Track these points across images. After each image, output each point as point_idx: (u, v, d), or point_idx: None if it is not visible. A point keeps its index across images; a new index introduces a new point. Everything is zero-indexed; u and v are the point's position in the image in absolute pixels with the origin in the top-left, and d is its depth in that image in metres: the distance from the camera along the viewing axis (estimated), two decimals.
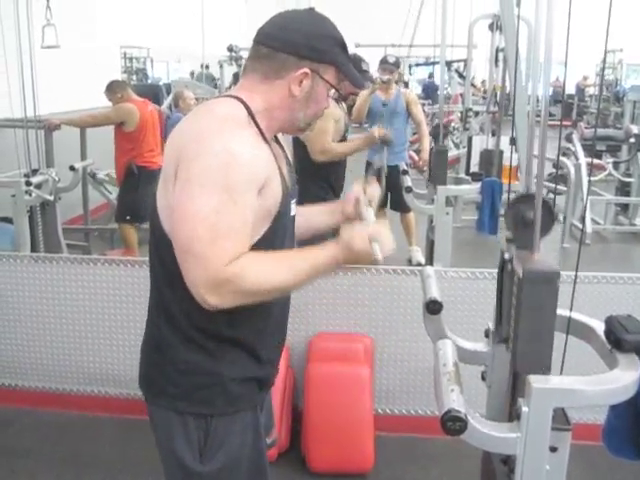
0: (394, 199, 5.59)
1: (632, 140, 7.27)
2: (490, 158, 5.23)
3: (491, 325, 1.70)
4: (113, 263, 3.35)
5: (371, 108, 5.64)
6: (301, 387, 3.17)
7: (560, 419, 1.38)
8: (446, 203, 4.36)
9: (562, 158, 6.84)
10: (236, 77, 10.32)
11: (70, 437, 3.28)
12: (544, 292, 1.40)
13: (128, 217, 5.64)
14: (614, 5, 1.46)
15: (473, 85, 11.41)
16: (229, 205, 1.37)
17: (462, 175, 6.43)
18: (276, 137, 1.66)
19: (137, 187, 5.43)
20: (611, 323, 1.51)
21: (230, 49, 10.46)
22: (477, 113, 9.01)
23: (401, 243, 5.98)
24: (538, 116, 1.59)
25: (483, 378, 1.73)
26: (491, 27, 6.77)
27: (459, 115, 9.16)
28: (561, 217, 6.57)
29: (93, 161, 6.19)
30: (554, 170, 4.49)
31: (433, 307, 1.73)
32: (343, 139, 4.15)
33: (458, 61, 11.18)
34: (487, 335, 1.73)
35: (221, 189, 1.37)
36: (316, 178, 3.96)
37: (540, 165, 1.49)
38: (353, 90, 4.04)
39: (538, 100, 1.65)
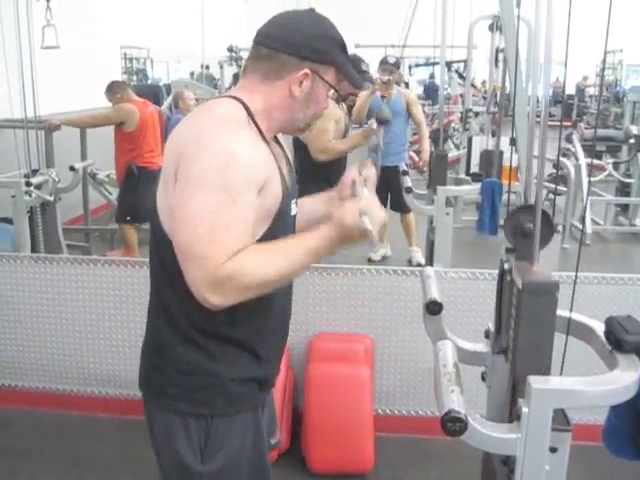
0: (394, 200, 5.59)
1: (632, 141, 7.27)
2: (490, 159, 5.23)
3: (491, 326, 1.71)
4: (113, 264, 3.35)
5: (371, 109, 5.64)
6: (301, 388, 3.17)
7: (560, 420, 1.39)
8: (446, 204, 4.36)
9: (562, 159, 6.85)
10: (236, 78, 10.32)
11: (70, 438, 3.28)
12: (543, 304, 1.41)
13: (128, 217, 5.64)
14: (614, 6, 1.46)
15: (473, 86, 11.41)
16: (229, 205, 1.37)
17: (462, 176, 6.42)
18: (276, 137, 1.66)
19: (137, 187, 5.43)
20: (611, 324, 1.51)
21: (230, 50, 10.46)
22: (477, 114, 9.02)
23: (401, 244, 5.99)
24: (538, 117, 1.59)
25: (483, 379, 1.73)
26: (491, 28, 6.77)
27: (459, 116, 9.16)
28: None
29: (93, 161, 6.20)
30: (554, 171, 4.49)
31: (433, 308, 1.73)
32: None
33: (458, 62, 11.17)
34: (487, 336, 1.73)
35: (221, 189, 1.37)
36: (316, 178, 3.95)
37: (540, 166, 1.49)
38: (352, 90, 4.04)
39: (538, 101, 1.65)
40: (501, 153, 5.24)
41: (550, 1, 1.41)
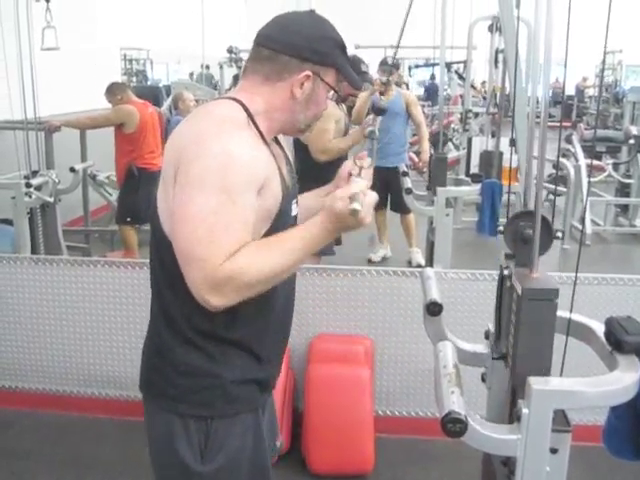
0: (394, 200, 5.59)
1: (632, 141, 7.27)
2: (490, 159, 5.23)
3: (491, 327, 1.71)
4: (113, 265, 3.35)
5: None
6: (301, 389, 3.17)
7: (560, 420, 1.39)
8: (446, 204, 4.36)
9: (562, 159, 6.85)
10: (236, 79, 10.32)
11: (70, 439, 3.28)
12: (543, 310, 1.41)
13: (128, 219, 5.65)
14: (613, 6, 1.46)
15: (473, 86, 11.40)
16: (228, 205, 1.37)
17: (462, 176, 6.42)
18: (276, 138, 1.66)
19: (137, 189, 5.43)
20: (611, 324, 1.51)
21: (230, 51, 10.46)
22: (477, 114, 9.02)
23: (401, 244, 5.99)
24: (538, 117, 1.59)
25: (483, 380, 1.73)
26: (491, 28, 6.77)
27: (459, 116, 9.16)
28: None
29: (93, 163, 6.20)
30: (554, 171, 4.49)
31: (433, 309, 1.73)
32: None
33: (458, 62, 11.17)
34: (487, 337, 1.73)
35: (220, 190, 1.37)
36: (317, 179, 3.92)
37: (540, 167, 1.49)
38: (351, 91, 4.04)
39: (538, 101, 1.65)
40: (501, 154, 5.24)
41: (550, 2, 1.41)
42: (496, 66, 6.83)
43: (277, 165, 1.51)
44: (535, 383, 1.35)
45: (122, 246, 5.89)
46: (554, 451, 1.38)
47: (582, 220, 4.80)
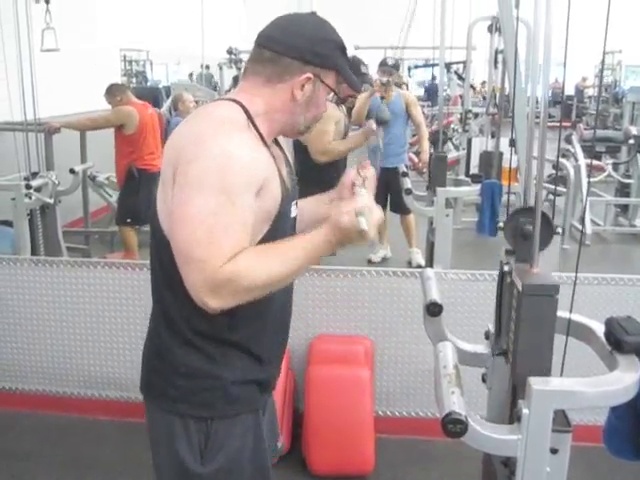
0: (394, 201, 5.59)
1: (631, 141, 7.27)
2: (490, 160, 5.23)
3: (491, 327, 1.71)
4: (113, 266, 3.35)
5: (370, 110, 5.65)
6: (301, 389, 3.17)
7: (560, 421, 1.39)
8: (446, 205, 4.36)
9: (562, 159, 6.85)
10: (235, 80, 10.32)
11: (70, 440, 3.28)
12: (543, 306, 1.41)
13: (129, 220, 5.65)
14: (613, 6, 1.47)
15: (472, 87, 11.40)
16: (227, 207, 1.37)
17: (462, 177, 6.43)
18: (276, 139, 1.66)
19: (137, 190, 5.43)
20: (611, 324, 1.51)
21: (230, 52, 10.47)
22: (477, 115, 9.02)
23: (401, 245, 5.99)
24: (537, 117, 1.59)
25: (483, 380, 1.73)
26: (490, 29, 6.78)
27: (458, 117, 9.17)
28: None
29: (93, 164, 6.19)
30: (554, 171, 4.49)
31: (433, 309, 1.73)
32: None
33: (457, 63, 11.18)
34: (487, 337, 1.73)
35: (219, 191, 1.37)
36: (318, 180, 3.93)
37: (540, 167, 1.49)
38: (351, 92, 4.05)
39: (537, 101, 1.65)
40: (501, 154, 5.24)
41: (549, 2, 1.41)
42: (495, 66, 6.84)
43: (276, 167, 1.51)
44: (535, 383, 1.35)
45: (122, 247, 5.89)
46: (554, 451, 1.38)
47: (582, 220, 4.79)
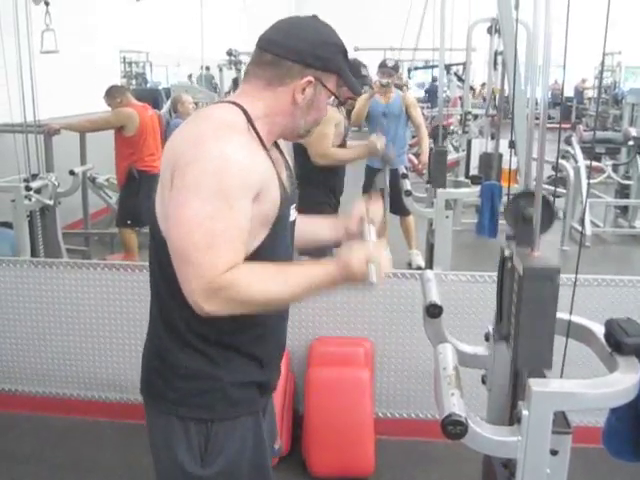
0: (394, 203, 5.58)
1: (631, 142, 7.27)
2: (489, 161, 5.22)
3: (491, 328, 1.70)
4: (113, 268, 3.35)
5: (370, 111, 5.66)
6: (301, 391, 3.17)
7: (560, 422, 1.38)
8: (446, 206, 4.36)
9: (561, 161, 6.85)
10: (235, 82, 10.32)
11: (70, 442, 3.28)
12: (545, 289, 1.39)
13: (129, 221, 5.65)
14: (612, 8, 1.47)
15: (472, 88, 11.41)
16: (224, 211, 1.37)
17: (461, 178, 6.42)
18: (276, 142, 1.66)
19: (138, 191, 5.43)
20: (611, 326, 1.51)
21: (229, 53, 10.47)
22: (476, 116, 9.02)
23: (401, 246, 5.99)
24: (537, 119, 1.59)
25: (483, 382, 1.73)
26: (490, 30, 6.77)
27: (458, 118, 9.17)
28: (561, 214, 6.55)
29: (93, 166, 6.19)
30: (553, 173, 4.49)
31: (433, 311, 1.73)
32: (343, 142, 4.16)
33: (457, 64, 11.19)
34: (487, 338, 1.73)
35: (216, 195, 1.37)
36: (317, 182, 3.96)
37: (539, 168, 1.49)
38: (350, 95, 4.06)
39: (537, 103, 1.65)
40: (500, 156, 5.23)
41: (548, 4, 1.41)
42: (495, 68, 6.84)
43: (276, 170, 1.51)
44: (535, 385, 1.35)
45: (122, 249, 5.89)
46: (554, 453, 1.38)
47: (582, 221, 4.80)
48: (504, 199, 4.37)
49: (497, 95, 6.78)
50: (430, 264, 4.53)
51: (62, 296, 3.38)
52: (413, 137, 8.23)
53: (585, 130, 8.46)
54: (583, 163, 6.86)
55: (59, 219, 5.11)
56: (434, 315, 1.73)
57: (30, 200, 4.64)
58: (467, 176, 6.45)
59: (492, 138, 6.54)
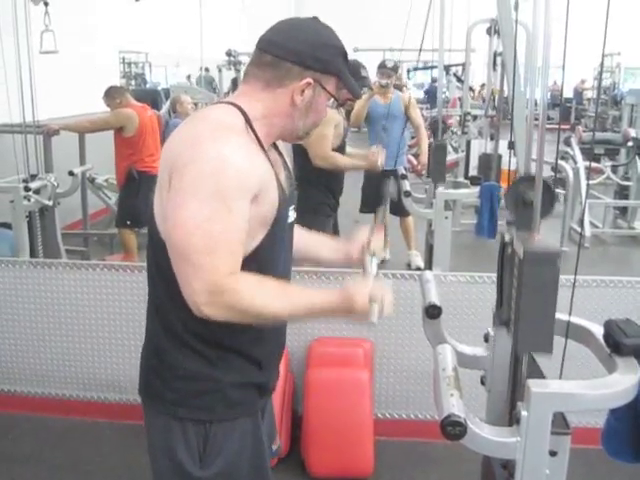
0: (393, 203, 5.58)
1: (630, 143, 7.28)
2: (489, 162, 5.22)
3: (490, 329, 1.70)
4: (112, 268, 3.35)
5: (369, 112, 5.66)
6: (301, 392, 3.17)
7: (559, 423, 1.38)
8: (445, 207, 4.36)
9: (560, 162, 6.85)
10: (234, 83, 10.31)
11: (70, 443, 3.28)
12: (545, 272, 1.39)
13: (128, 222, 5.65)
14: (612, 9, 1.47)
15: (471, 89, 11.41)
16: (222, 213, 1.37)
17: (461, 179, 6.42)
18: (274, 144, 1.66)
19: (138, 192, 5.43)
20: (610, 327, 1.51)
21: (229, 54, 10.46)
22: (475, 117, 9.02)
23: (400, 247, 5.99)
24: (536, 120, 1.59)
25: (482, 382, 1.73)
26: (489, 31, 6.76)
27: (457, 119, 9.17)
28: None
29: (92, 166, 6.19)
30: (552, 174, 4.48)
31: (432, 311, 1.73)
32: (343, 143, 4.16)
33: (456, 65, 11.18)
34: (486, 339, 1.73)
35: (214, 196, 1.37)
36: (317, 183, 3.96)
37: (538, 169, 1.49)
38: (350, 96, 4.05)
39: (536, 104, 1.65)
40: (500, 156, 5.23)
41: (548, 5, 1.41)
42: (494, 69, 6.83)
43: (274, 171, 1.51)
44: (534, 386, 1.35)
45: (121, 249, 5.88)
46: (553, 454, 1.38)
47: (581, 222, 4.80)
48: (503, 200, 4.38)
49: (496, 96, 6.78)
50: (429, 265, 4.53)
51: (61, 297, 3.38)
52: (412, 138, 8.23)
53: (584, 131, 8.47)
54: (582, 164, 6.87)
55: (58, 220, 5.10)
56: (433, 316, 1.73)
57: (29, 201, 4.64)
58: (466, 177, 6.45)
59: (491, 139, 6.54)
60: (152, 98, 9.95)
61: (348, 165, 4.14)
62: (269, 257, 1.53)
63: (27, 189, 4.58)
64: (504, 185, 4.70)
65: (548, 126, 1.51)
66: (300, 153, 3.89)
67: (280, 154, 1.67)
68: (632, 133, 7.33)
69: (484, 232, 4.54)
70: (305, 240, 1.81)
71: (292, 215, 1.63)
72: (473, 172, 6.42)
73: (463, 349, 1.73)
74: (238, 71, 10.30)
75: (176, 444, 1.55)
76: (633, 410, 1.48)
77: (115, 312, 3.35)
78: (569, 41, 1.49)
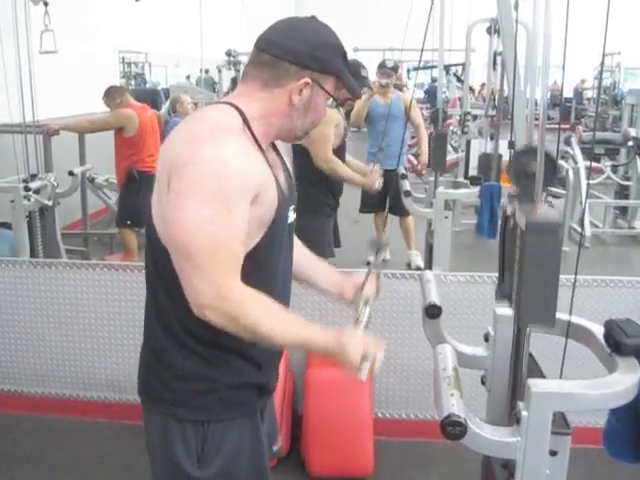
0: (393, 203, 5.58)
1: (630, 143, 7.28)
2: (489, 162, 5.22)
3: (491, 329, 1.70)
4: (112, 268, 3.35)
5: (369, 112, 5.66)
6: (301, 392, 3.17)
7: (560, 423, 1.38)
8: (445, 207, 4.36)
9: (561, 161, 6.85)
10: (234, 82, 10.32)
11: (70, 443, 3.27)
12: (547, 243, 1.37)
13: (129, 222, 5.64)
14: (612, 8, 1.47)
15: (471, 89, 11.41)
16: (224, 215, 1.37)
17: (461, 179, 6.43)
18: (273, 144, 1.65)
19: (138, 192, 5.41)
20: (610, 327, 1.51)
21: (228, 54, 10.47)
22: (475, 117, 9.02)
23: (400, 247, 5.99)
24: (536, 120, 1.59)
25: (483, 382, 1.73)
26: (489, 31, 6.76)
27: (457, 119, 9.17)
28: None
29: (92, 166, 6.19)
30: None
31: (432, 311, 1.73)
32: (343, 143, 4.15)
33: (456, 65, 11.18)
34: (486, 339, 1.73)
35: (215, 199, 1.36)
36: (317, 183, 3.96)
37: (539, 169, 1.49)
38: (349, 96, 4.04)
39: (536, 103, 1.65)
40: (500, 156, 5.24)
41: (548, 4, 1.41)
42: (494, 68, 6.83)
43: (273, 172, 1.51)
44: (534, 385, 1.35)
45: (121, 249, 5.89)
46: (554, 453, 1.38)
47: (581, 222, 4.80)
48: (503, 200, 4.38)
49: (496, 96, 6.78)
50: (429, 265, 4.53)
51: (61, 297, 3.37)
52: (412, 138, 8.23)
53: (584, 131, 8.48)
54: (582, 164, 6.86)
55: (58, 219, 5.11)
56: (433, 316, 1.73)
57: (29, 200, 4.64)
58: (466, 177, 6.45)
59: (491, 139, 6.53)
60: (152, 98, 9.97)
61: (345, 177, 4.10)
62: (269, 257, 1.53)
63: (27, 189, 4.59)
64: (504, 185, 4.71)
65: (548, 126, 1.50)
66: (300, 153, 3.88)
67: (279, 154, 1.66)
68: (632, 133, 7.32)
69: (484, 232, 4.54)
70: (307, 263, 1.82)
71: (292, 216, 1.63)
72: (473, 172, 6.42)
73: (463, 349, 1.73)
74: (238, 71, 10.32)
75: (175, 444, 1.55)
76: (633, 410, 1.48)
77: (115, 312, 3.35)
78: (569, 41, 1.49)
